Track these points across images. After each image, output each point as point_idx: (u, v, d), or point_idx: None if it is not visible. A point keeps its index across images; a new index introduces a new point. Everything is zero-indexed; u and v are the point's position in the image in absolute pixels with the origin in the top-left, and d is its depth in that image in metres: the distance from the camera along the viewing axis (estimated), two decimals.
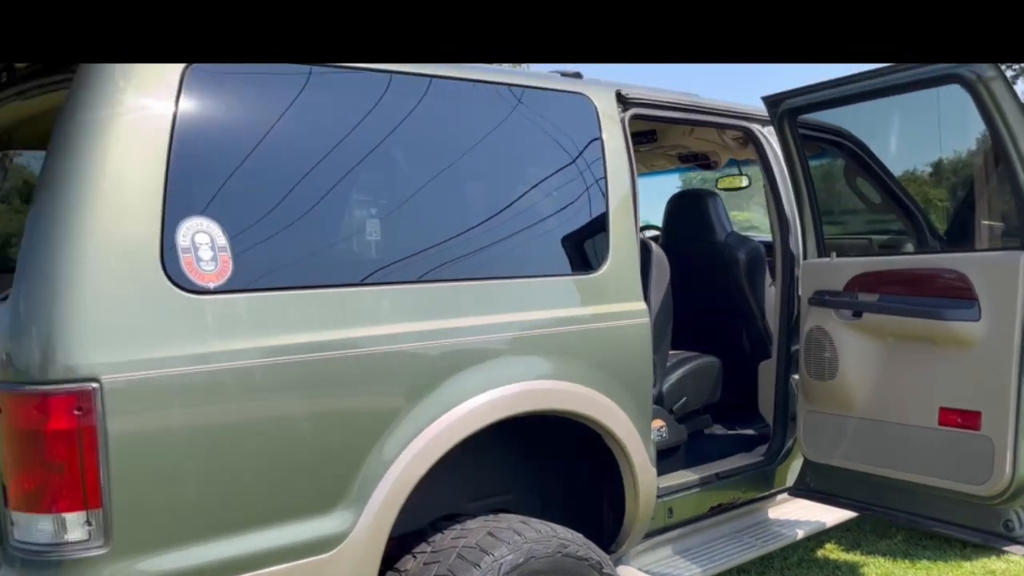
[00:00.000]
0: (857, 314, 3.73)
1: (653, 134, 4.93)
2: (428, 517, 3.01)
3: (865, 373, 3.71)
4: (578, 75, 3.62)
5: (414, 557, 2.88)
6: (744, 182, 5.50)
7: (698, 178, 9.24)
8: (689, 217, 4.79)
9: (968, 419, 3.34)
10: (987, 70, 3.22)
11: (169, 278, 2.32)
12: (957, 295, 3.40)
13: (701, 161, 5.38)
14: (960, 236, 4.34)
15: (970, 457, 3.35)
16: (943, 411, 3.42)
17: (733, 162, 5.47)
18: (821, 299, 3.85)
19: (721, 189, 5.64)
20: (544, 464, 3.47)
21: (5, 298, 2.49)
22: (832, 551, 5.11)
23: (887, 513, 3.80)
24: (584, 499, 3.56)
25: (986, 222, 4.15)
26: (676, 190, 7.61)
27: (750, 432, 4.54)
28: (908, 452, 3.57)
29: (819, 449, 3.94)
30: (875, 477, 3.74)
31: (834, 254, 3.95)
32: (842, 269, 3.85)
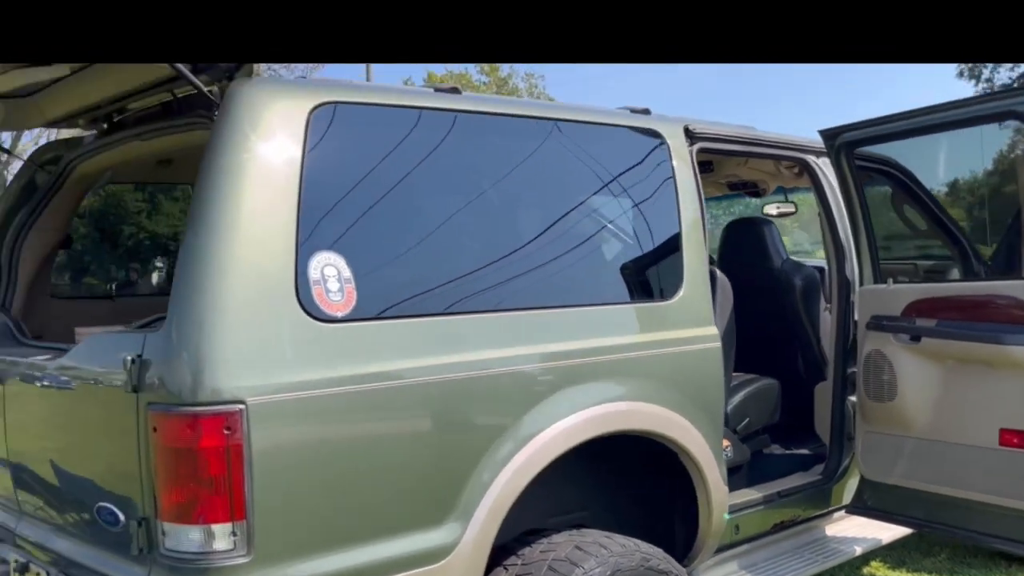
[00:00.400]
0: (916, 338, 3.89)
1: (710, 164, 5.12)
2: (513, 532, 3.18)
3: (924, 395, 3.86)
4: (647, 111, 3.80)
5: (505, 569, 3.05)
6: (791, 208, 5.66)
7: (715, 206, 9.38)
8: (746, 244, 4.97)
9: None
10: None
11: (303, 308, 2.52)
12: (1016, 320, 3.56)
13: (750, 189, 5.57)
14: (1005, 263, 4.50)
15: None
16: (1003, 432, 3.58)
17: (780, 189, 5.65)
18: (880, 324, 4.01)
19: (767, 216, 5.80)
20: (617, 482, 3.64)
21: (145, 325, 2.71)
22: (878, 569, 5.24)
23: (946, 530, 3.95)
24: (655, 516, 3.72)
25: None
26: None
27: (805, 452, 4.70)
28: (968, 471, 3.72)
29: (877, 468, 4.09)
30: (933, 495, 3.88)
31: (891, 280, 4.12)
32: (899, 295, 4.01)
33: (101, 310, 4.13)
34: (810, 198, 6.35)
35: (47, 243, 3.82)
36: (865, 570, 5.20)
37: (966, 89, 32.75)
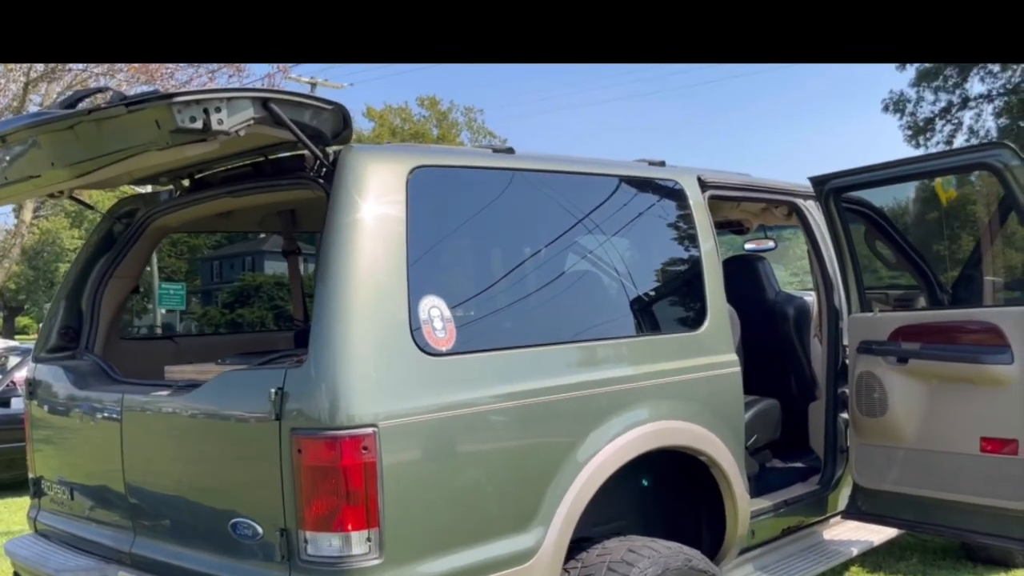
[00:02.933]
0: (903, 360, 4.42)
1: None
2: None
3: (912, 409, 4.39)
4: (663, 163, 4.29)
5: (567, 572, 3.46)
6: (770, 244, 6.20)
7: None
8: (743, 278, 5.47)
9: (1007, 446, 4.03)
10: (1011, 159, 3.96)
11: (416, 344, 2.94)
12: (991, 343, 4.10)
13: (734, 227, 6.09)
14: (965, 290, 5.08)
15: (1009, 478, 4.02)
16: (984, 440, 4.11)
17: (761, 227, 6.19)
18: (870, 348, 4.53)
19: (747, 251, 6.32)
20: (650, 493, 4.08)
21: (266, 362, 3.08)
22: (856, 573, 5.73)
23: (935, 529, 4.47)
24: (683, 524, 4.16)
25: (990, 278, 4.91)
26: None
27: (801, 465, 5.19)
28: (953, 476, 4.24)
29: (870, 476, 4.60)
30: (922, 498, 4.40)
31: (877, 308, 4.65)
32: (886, 322, 4.54)
33: (166, 350, 4.46)
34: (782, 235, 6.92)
35: (123, 290, 4.15)
36: (845, 575, 5.68)
37: (891, 121, 34.01)
